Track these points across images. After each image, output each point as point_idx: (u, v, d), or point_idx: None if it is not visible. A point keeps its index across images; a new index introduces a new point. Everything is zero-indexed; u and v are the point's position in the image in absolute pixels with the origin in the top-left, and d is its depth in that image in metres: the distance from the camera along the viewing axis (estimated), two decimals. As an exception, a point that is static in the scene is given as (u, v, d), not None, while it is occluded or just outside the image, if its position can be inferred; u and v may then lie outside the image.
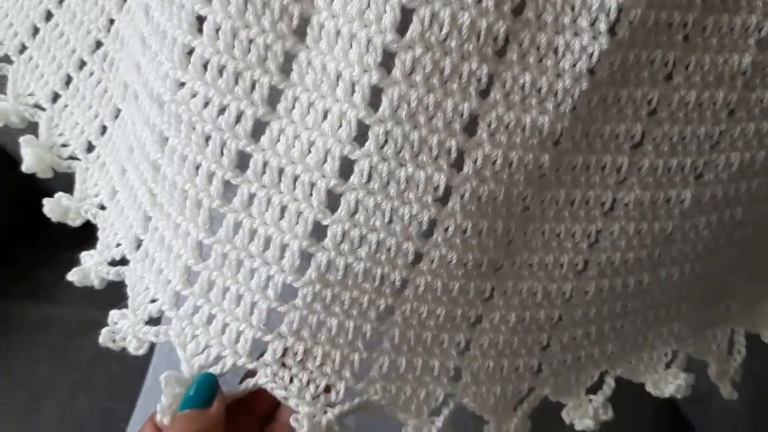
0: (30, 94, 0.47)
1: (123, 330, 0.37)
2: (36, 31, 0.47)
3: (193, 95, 0.33)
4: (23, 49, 0.48)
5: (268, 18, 0.30)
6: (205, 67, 0.32)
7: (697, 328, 0.43)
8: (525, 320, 0.37)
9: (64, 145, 0.45)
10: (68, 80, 0.46)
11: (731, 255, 0.39)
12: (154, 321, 0.37)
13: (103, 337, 0.37)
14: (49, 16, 0.47)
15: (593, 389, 0.42)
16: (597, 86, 0.30)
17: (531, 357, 0.39)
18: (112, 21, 0.44)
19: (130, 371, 1.11)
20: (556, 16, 0.29)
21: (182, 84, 0.33)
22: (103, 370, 1.12)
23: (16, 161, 0.46)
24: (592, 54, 0.29)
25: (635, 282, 0.37)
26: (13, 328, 1.12)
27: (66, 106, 0.45)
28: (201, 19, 0.31)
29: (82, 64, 0.45)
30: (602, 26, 0.29)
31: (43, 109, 0.46)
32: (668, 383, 0.42)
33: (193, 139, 0.34)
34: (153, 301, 0.37)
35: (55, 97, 0.46)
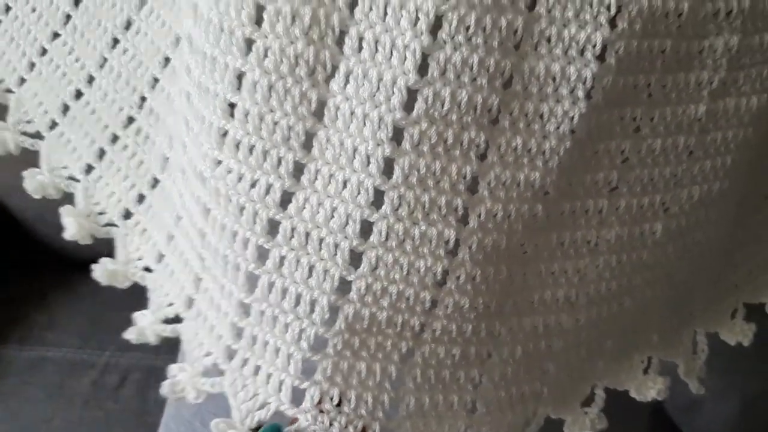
0: (64, 167, 0.51)
1: (182, 382, 0.41)
2: (66, 108, 0.51)
3: (229, 171, 0.37)
4: (54, 125, 0.52)
5: (289, 103, 0.35)
6: (237, 147, 0.37)
7: (666, 334, 0.49)
8: (529, 352, 0.42)
9: (100, 213, 0.49)
10: (101, 153, 0.50)
11: (693, 269, 0.45)
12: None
13: (165, 388, 0.41)
14: (79, 94, 0.51)
15: (587, 402, 0.48)
16: (578, 143, 0.35)
17: (535, 382, 0.44)
18: (143, 98, 0.48)
19: (126, 410, 1.14)
20: (540, 87, 0.33)
21: (219, 162, 0.38)
22: (98, 409, 1.14)
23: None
24: (573, 117, 0.34)
25: (618, 305, 0.42)
26: (8, 372, 1.14)
27: (101, 177, 0.50)
28: (232, 106, 0.36)
29: (115, 138, 0.49)
30: (580, 93, 0.33)
31: (78, 181, 0.50)
32: (649, 388, 0.48)
33: (230, 210, 0.38)
34: (207, 354, 0.42)
35: (89, 168, 0.50)
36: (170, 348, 1.25)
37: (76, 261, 1.30)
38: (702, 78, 0.35)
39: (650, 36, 0.32)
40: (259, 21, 0.34)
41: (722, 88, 0.35)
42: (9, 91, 0.54)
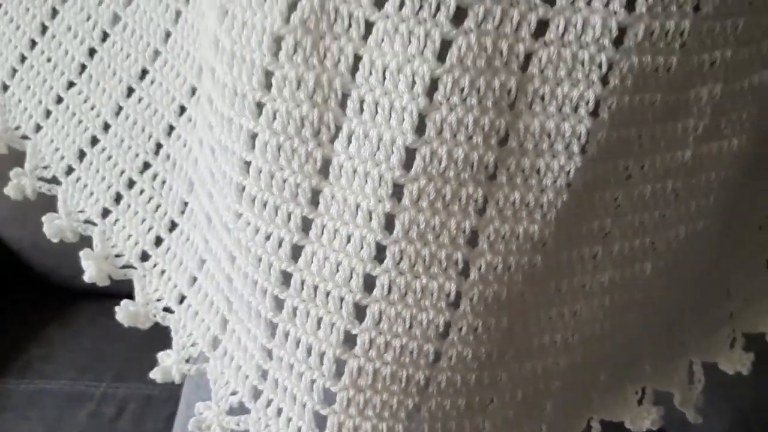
0: (80, 211, 0.53)
1: (208, 419, 0.43)
2: (83, 154, 0.53)
3: (248, 224, 0.39)
4: (70, 170, 0.54)
5: (296, 162, 0.37)
6: (253, 201, 0.39)
7: (658, 364, 0.51)
8: (529, 394, 0.43)
9: (117, 255, 0.51)
10: (118, 198, 0.52)
11: (680, 301, 0.47)
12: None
13: (192, 425, 0.43)
14: (95, 141, 0.53)
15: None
16: (574, 195, 0.36)
17: (535, 422, 0.45)
18: (159, 145, 0.50)
19: (124, 441, 1.15)
20: (535, 143, 0.35)
21: (239, 215, 0.40)
22: (95, 440, 1.15)
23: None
24: (569, 171, 0.35)
25: (611, 342, 0.44)
26: (6, 406, 1.14)
27: (117, 220, 0.51)
28: (248, 163, 0.38)
29: (132, 183, 0.51)
30: (575, 148, 0.35)
31: (95, 224, 0.52)
32: (643, 418, 0.50)
33: (250, 260, 0.40)
34: (233, 393, 0.44)
35: (106, 212, 0.52)
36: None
37: (73, 292, 1.31)
38: (688, 125, 0.37)
39: (641, 90, 0.34)
40: (269, 85, 0.36)
41: (706, 133, 0.37)
42: (25, 137, 0.56)
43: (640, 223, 0.39)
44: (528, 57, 0.33)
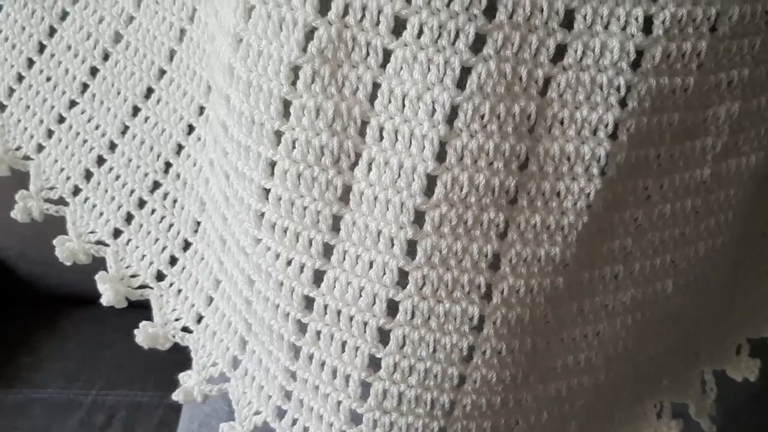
0: (91, 232, 0.52)
1: None
2: (89, 174, 0.53)
3: (267, 249, 0.40)
4: (77, 191, 0.53)
5: (317, 189, 0.37)
6: (273, 228, 0.39)
7: (675, 378, 0.52)
8: (554, 415, 0.44)
9: (133, 276, 0.51)
10: (129, 218, 0.51)
11: (697, 314, 0.47)
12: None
13: None
14: (101, 160, 0.52)
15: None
16: (595, 217, 0.37)
17: None
18: (168, 164, 0.50)
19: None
20: (555, 167, 0.35)
21: (258, 240, 0.40)
22: (85, 449, 1.14)
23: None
24: (589, 193, 0.36)
25: (634, 361, 0.45)
26: (-4, 416, 1.13)
27: (130, 240, 0.51)
28: (266, 191, 0.38)
29: (143, 202, 0.51)
30: (595, 170, 0.35)
31: (107, 245, 0.52)
32: None
33: (270, 285, 0.41)
34: (257, 413, 0.44)
35: (117, 232, 0.52)
36: (156, 384, 1.26)
37: (60, 299, 1.31)
38: (707, 144, 0.37)
39: (659, 111, 0.35)
40: (287, 114, 0.36)
41: (724, 151, 0.38)
42: (27, 158, 0.55)
43: (660, 242, 0.40)
44: (547, 82, 0.34)
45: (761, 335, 0.55)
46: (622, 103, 0.34)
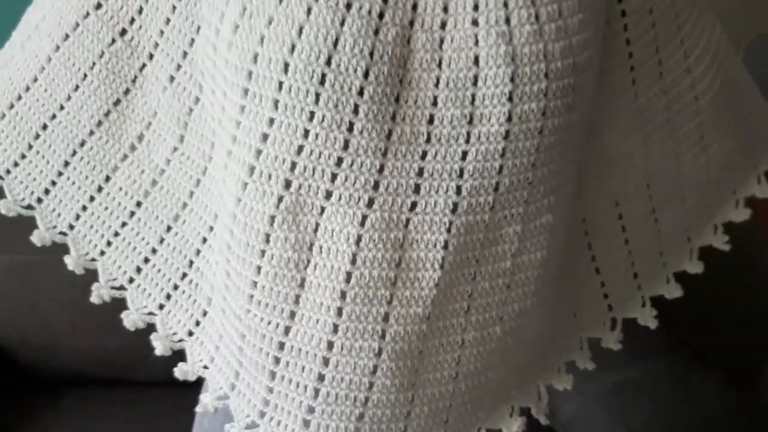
0: (144, 307, 0.82)
1: None
2: (139, 270, 0.82)
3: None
4: (131, 280, 0.82)
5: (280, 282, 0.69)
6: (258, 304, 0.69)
7: (521, 387, 0.82)
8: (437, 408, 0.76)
9: (174, 333, 0.81)
10: (168, 296, 0.81)
11: (527, 342, 0.76)
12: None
13: None
14: (147, 260, 0.81)
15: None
16: (441, 290, 0.67)
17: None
18: (192, 262, 0.80)
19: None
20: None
21: (249, 311, 0.70)
22: None
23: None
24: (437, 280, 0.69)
25: (485, 377, 0.73)
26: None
27: (170, 311, 0.81)
28: (255, 284, 0.69)
29: (176, 286, 0.80)
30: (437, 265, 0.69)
31: (155, 315, 0.81)
32: (513, 423, 0.81)
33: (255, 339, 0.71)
34: (248, 416, 0.74)
35: (161, 306, 0.81)
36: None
37: (63, 379, 1.46)
38: (505, 249, 0.68)
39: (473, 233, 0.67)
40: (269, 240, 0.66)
41: (518, 252, 0.68)
42: (93, 260, 0.84)
43: (486, 303, 0.69)
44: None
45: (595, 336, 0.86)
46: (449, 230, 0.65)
